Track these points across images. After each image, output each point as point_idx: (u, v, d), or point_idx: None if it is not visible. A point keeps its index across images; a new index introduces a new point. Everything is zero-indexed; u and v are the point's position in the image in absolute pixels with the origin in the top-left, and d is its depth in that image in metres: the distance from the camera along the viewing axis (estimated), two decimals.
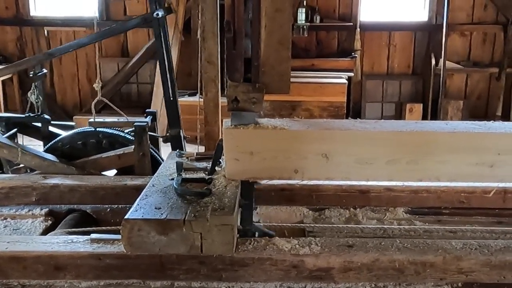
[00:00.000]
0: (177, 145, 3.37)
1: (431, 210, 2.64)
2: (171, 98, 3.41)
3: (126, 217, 1.82)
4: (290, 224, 2.48)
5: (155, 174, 2.31)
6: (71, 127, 3.72)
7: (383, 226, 2.46)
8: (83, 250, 1.87)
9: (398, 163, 2.01)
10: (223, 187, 2.05)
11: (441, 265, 1.86)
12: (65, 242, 1.91)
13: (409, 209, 2.65)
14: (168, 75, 3.36)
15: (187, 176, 2.21)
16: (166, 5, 3.33)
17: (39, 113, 3.44)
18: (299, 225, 2.51)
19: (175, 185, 2.06)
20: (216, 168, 2.22)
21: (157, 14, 3.27)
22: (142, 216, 1.83)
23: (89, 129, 3.34)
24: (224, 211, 1.85)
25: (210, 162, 2.25)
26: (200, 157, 2.43)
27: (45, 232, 2.52)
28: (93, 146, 3.26)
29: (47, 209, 2.67)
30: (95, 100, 3.38)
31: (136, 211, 1.87)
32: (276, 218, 2.62)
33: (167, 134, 3.48)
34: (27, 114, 3.46)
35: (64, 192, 2.67)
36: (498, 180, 2.06)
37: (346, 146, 1.99)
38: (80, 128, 3.41)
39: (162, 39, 3.30)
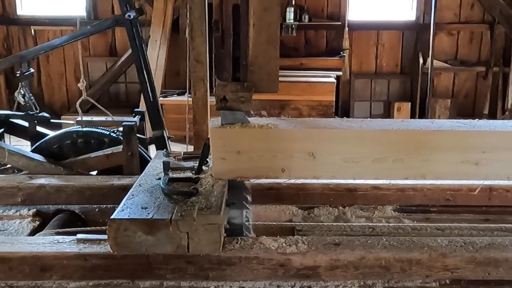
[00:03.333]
0: (161, 146, 3.36)
1: (419, 208, 2.67)
2: (151, 100, 3.40)
3: (112, 217, 1.82)
4: (279, 223, 2.49)
5: (142, 173, 2.30)
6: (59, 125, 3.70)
7: (371, 224, 2.48)
8: (69, 251, 1.86)
9: (385, 161, 2.02)
10: (210, 186, 2.05)
11: (427, 262, 1.87)
12: (51, 243, 1.90)
13: (398, 207, 2.67)
14: (146, 77, 3.35)
15: (174, 175, 2.20)
16: (137, 6, 3.34)
17: (37, 110, 3.42)
18: (288, 223, 2.51)
19: (162, 185, 2.06)
20: (203, 167, 2.22)
21: (129, 16, 3.26)
22: (129, 216, 1.83)
23: (64, 132, 3.30)
24: (210, 210, 1.86)
25: (197, 162, 2.25)
26: (187, 157, 2.43)
27: (33, 232, 2.51)
28: (69, 147, 3.23)
29: (35, 209, 2.66)
30: (80, 100, 3.37)
31: (122, 211, 1.87)
32: (265, 217, 2.63)
33: (150, 137, 3.47)
34: (26, 112, 3.42)
35: (51, 192, 2.66)
36: (483, 177, 2.09)
37: (333, 145, 2.00)
38: (57, 131, 3.37)
39: (136, 40, 3.30)
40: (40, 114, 3.41)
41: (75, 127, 3.36)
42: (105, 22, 3.58)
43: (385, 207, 2.67)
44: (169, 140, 3.51)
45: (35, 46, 7.19)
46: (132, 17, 3.27)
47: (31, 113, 3.39)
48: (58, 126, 3.64)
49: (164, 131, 3.45)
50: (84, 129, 3.30)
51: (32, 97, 3.41)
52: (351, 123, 2.12)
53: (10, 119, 3.47)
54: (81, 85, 3.41)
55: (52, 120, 3.52)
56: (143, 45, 3.36)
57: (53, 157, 3.18)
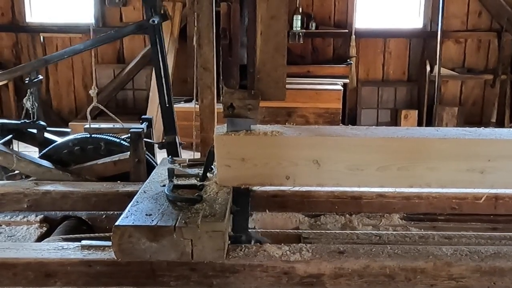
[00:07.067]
0: (172, 151, 3.37)
1: (426, 216, 2.66)
2: (167, 105, 3.42)
3: (116, 223, 1.82)
4: (285, 230, 2.49)
5: (147, 180, 2.31)
6: (67, 134, 3.72)
7: (378, 232, 2.47)
8: (74, 257, 1.86)
9: (389, 169, 2.02)
10: (215, 193, 2.06)
11: (432, 271, 1.86)
12: (55, 249, 1.91)
13: (405, 215, 2.66)
14: (164, 82, 3.37)
15: (179, 182, 2.21)
16: (161, 11, 3.34)
17: (34, 119, 3.44)
18: (294, 231, 2.51)
19: (166, 192, 2.06)
20: (208, 174, 2.23)
21: (153, 21, 3.27)
22: (133, 223, 1.84)
23: (60, 143, 3.32)
24: (215, 217, 1.86)
25: (202, 169, 2.25)
26: (192, 164, 2.43)
27: (40, 238, 2.53)
28: (67, 156, 3.24)
29: (42, 215, 2.68)
30: (91, 106, 3.38)
31: (127, 217, 1.88)
32: (271, 224, 2.63)
33: (163, 141, 3.49)
34: (22, 121, 3.45)
35: (56, 198, 2.67)
36: (489, 186, 2.08)
37: (337, 153, 2.00)
38: (60, 140, 3.39)
39: (158, 45, 3.31)
40: (36, 122, 3.43)
41: (71, 136, 3.38)
42: (128, 28, 3.59)
43: (392, 215, 2.66)
44: (180, 146, 3.52)
45: (44, 53, 7.28)
46: (156, 22, 3.28)
47: (28, 121, 3.42)
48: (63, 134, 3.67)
49: (176, 137, 3.47)
50: (78, 136, 3.31)
51: (35, 105, 3.44)
52: (356, 131, 2.12)
53: (6, 127, 3.49)
54: (93, 92, 3.43)
55: (48, 128, 3.54)
56: (164, 51, 3.37)
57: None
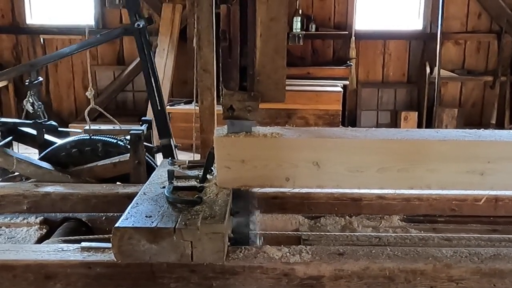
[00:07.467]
0: (168, 154, 3.37)
1: (426, 218, 2.65)
2: (159, 108, 3.42)
3: (116, 225, 1.82)
4: (285, 232, 2.49)
5: (147, 182, 2.31)
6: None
7: (378, 234, 2.47)
8: (73, 259, 1.86)
9: (389, 171, 2.01)
10: (214, 195, 2.06)
11: (432, 273, 1.86)
12: (55, 251, 1.91)
13: (405, 217, 2.65)
14: (153, 85, 3.37)
15: (179, 184, 2.21)
16: (146, 15, 3.36)
17: (46, 119, 3.45)
18: (294, 233, 2.51)
19: (166, 193, 2.06)
20: (208, 176, 2.23)
21: (138, 25, 3.28)
22: (133, 225, 1.83)
23: (58, 145, 3.32)
24: (214, 219, 1.86)
25: (202, 170, 2.26)
26: (192, 165, 2.43)
27: (40, 240, 2.52)
28: (65, 158, 3.23)
29: (42, 217, 2.67)
30: (88, 108, 3.39)
31: (127, 219, 1.88)
32: (271, 226, 2.63)
33: (158, 145, 3.49)
34: (34, 120, 3.45)
35: (56, 200, 2.67)
36: (489, 188, 2.08)
37: (337, 154, 2.00)
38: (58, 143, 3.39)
39: (145, 49, 3.32)
40: (48, 122, 3.43)
41: (69, 138, 3.39)
42: (114, 31, 3.61)
43: (392, 217, 2.65)
44: (176, 149, 3.52)
45: (44, 54, 7.29)
46: (141, 26, 3.29)
47: (39, 121, 3.42)
48: (67, 134, 3.67)
49: (171, 140, 3.47)
50: (76, 138, 3.32)
51: (41, 106, 3.45)
52: (355, 133, 2.11)
53: (18, 127, 3.49)
54: (89, 93, 3.44)
55: (60, 129, 3.54)
56: (151, 54, 3.38)
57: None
